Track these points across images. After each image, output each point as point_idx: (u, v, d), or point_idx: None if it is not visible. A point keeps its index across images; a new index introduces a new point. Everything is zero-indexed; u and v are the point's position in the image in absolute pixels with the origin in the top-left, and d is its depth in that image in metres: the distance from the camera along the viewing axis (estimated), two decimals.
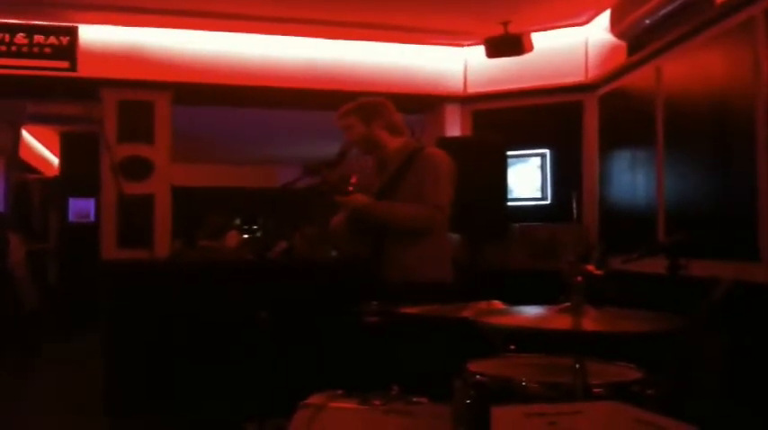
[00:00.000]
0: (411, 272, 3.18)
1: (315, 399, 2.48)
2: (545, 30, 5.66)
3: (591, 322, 1.75)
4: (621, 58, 5.15)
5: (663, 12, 4.44)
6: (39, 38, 5.41)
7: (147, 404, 5.07)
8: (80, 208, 9.73)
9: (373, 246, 3.29)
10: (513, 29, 5.49)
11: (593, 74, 5.58)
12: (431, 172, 3.21)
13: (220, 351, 5.13)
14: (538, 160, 5.83)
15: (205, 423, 4.80)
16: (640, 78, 4.95)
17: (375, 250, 3.28)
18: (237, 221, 10.51)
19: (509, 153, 5.53)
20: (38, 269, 8.96)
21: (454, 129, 6.21)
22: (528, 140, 5.82)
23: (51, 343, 8.27)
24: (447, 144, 5.31)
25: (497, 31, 5.52)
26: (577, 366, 1.72)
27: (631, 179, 5.05)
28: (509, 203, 5.50)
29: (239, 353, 4.90)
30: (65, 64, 5.46)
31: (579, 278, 1.80)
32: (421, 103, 6.26)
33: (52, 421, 5.11)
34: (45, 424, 5.07)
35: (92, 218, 9.54)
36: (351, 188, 3.24)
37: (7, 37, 5.36)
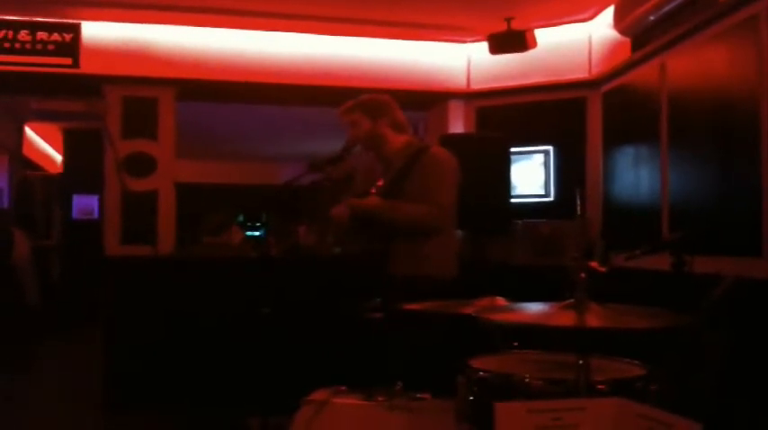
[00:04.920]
0: (418, 268, 3.18)
1: (318, 395, 2.48)
2: (548, 26, 5.65)
3: (594, 319, 1.74)
4: (625, 54, 5.14)
5: (667, 8, 4.43)
6: (42, 35, 5.42)
7: (149, 400, 5.07)
8: (84, 205, 9.75)
9: (380, 243, 3.29)
10: (516, 25, 5.48)
11: (596, 70, 5.57)
12: (436, 172, 3.22)
13: (223, 347, 5.13)
14: (541, 157, 5.82)
15: (207, 419, 4.80)
16: (644, 75, 4.93)
17: (382, 247, 3.28)
18: (240, 218, 10.50)
19: (512, 150, 5.51)
20: (42, 265, 8.98)
21: (457, 125, 6.20)
22: (531, 137, 5.81)
23: (53, 338, 8.29)
24: (450, 141, 5.31)
25: (501, 27, 5.51)
26: (581, 362, 1.72)
27: (635, 176, 5.04)
28: (512, 200, 5.49)
29: (242, 350, 4.90)
30: (68, 60, 5.46)
31: (583, 275, 1.80)
32: (424, 100, 6.26)
33: (53, 416, 5.11)
34: (46, 419, 5.07)
35: (95, 215, 9.56)
36: (373, 190, 3.25)
37: (10, 34, 5.37)
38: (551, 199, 5.78)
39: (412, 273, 3.17)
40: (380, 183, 3.37)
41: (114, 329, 5.32)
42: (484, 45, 5.73)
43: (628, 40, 5.06)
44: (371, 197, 3.27)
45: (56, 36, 5.44)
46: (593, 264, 1.93)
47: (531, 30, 5.51)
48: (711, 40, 4.16)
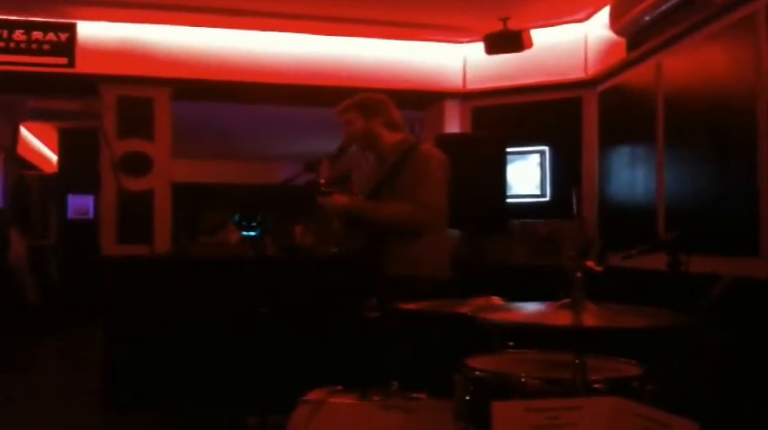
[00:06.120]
0: (410, 268, 3.18)
1: (315, 395, 2.48)
2: (545, 26, 5.66)
3: (591, 318, 1.74)
4: (621, 54, 5.14)
5: (663, 8, 4.43)
6: (37, 34, 5.41)
7: (147, 399, 5.07)
8: (79, 204, 9.73)
9: (372, 243, 3.29)
10: (512, 25, 5.48)
11: (592, 70, 5.58)
12: (421, 170, 3.22)
13: (222, 346, 5.13)
14: (537, 157, 5.83)
15: (206, 418, 4.80)
16: (640, 75, 4.94)
17: (374, 246, 3.28)
18: (237, 217, 10.48)
19: (508, 149, 5.52)
20: (38, 265, 8.96)
21: (453, 125, 6.21)
22: (527, 137, 5.82)
23: (53, 338, 8.27)
24: (446, 141, 5.32)
25: (497, 27, 5.52)
26: (577, 362, 1.72)
27: (631, 175, 5.04)
28: (508, 200, 5.50)
29: (240, 349, 4.90)
30: (63, 60, 5.45)
31: (579, 274, 1.80)
32: (420, 100, 6.25)
33: (53, 416, 5.10)
34: (46, 419, 5.06)
35: (91, 214, 9.54)
36: (324, 189, 3.25)
37: (6, 33, 5.36)
38: (547, 199, 5.78)
39: (405, 273, 3.17)
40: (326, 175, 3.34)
41: (114, 329, 5.32)
42: (480, 45, 5.73)
43: (623, 40, 5.07)
44: (339, 196, 3.26)
45: (51, 36, 5.43)
46: (590, 263, 1.93)
47: (527, 30, 5.51)
48: (708, 40, 4.17)
